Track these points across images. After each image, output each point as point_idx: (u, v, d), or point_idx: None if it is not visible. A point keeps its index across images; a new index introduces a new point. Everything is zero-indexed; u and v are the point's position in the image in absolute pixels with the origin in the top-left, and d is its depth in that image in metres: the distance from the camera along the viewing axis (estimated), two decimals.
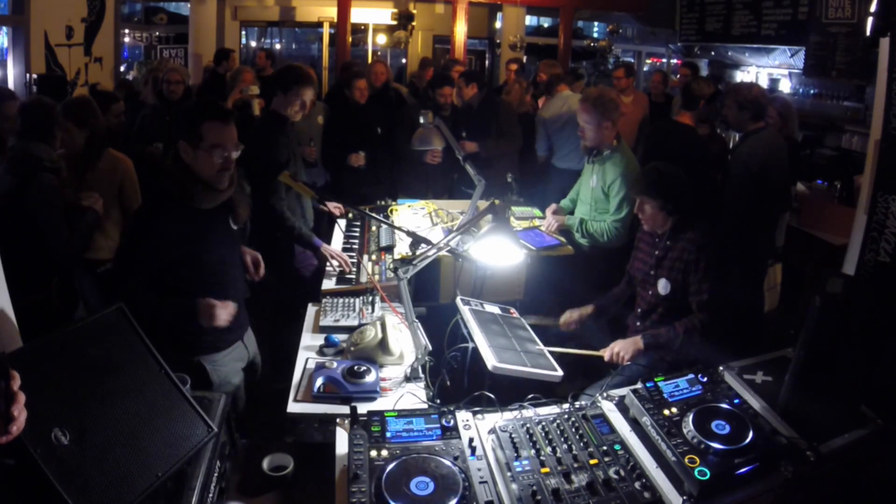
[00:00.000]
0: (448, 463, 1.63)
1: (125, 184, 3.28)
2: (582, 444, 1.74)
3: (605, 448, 1.73)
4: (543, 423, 1.80)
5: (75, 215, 2.88)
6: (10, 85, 5.81)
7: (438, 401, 2.07)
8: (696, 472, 1.62)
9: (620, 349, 2.58)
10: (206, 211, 2.21)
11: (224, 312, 2.17)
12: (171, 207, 2.15)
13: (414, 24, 8.78)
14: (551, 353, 2.31)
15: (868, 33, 4.74)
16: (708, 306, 2.58)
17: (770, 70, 8.05)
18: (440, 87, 4.80)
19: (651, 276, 2.77)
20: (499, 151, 4.74)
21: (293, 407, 2.08)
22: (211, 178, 2.16)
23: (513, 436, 1.74)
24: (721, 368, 2.09)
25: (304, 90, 3.22)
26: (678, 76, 7.21)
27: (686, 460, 1.65)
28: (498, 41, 10.38)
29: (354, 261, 3.16)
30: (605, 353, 2.59)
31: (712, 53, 8.62)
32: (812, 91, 7.30)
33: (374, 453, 1.64)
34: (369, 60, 9.45)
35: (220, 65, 6.48)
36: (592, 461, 1.68)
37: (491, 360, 2.05)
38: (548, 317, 2.96)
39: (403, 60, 10.22)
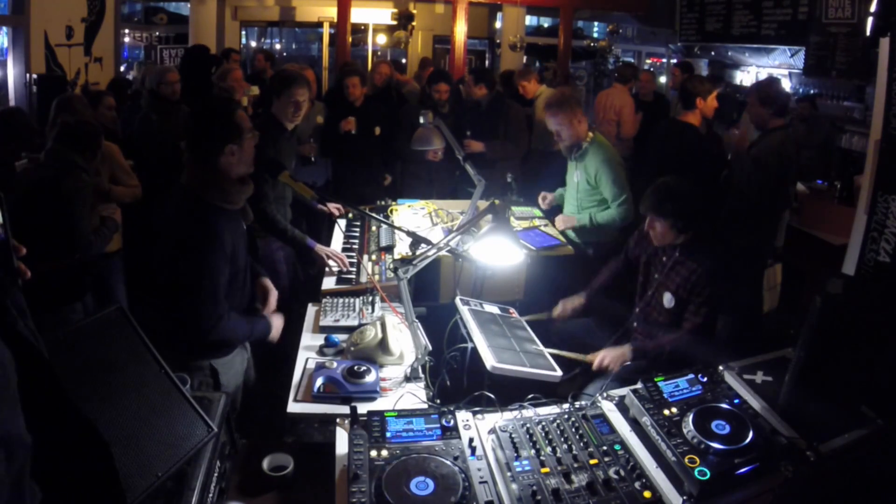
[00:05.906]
0: (448, 463, 1.63)
1: (115, 167, 3.50)
2: (582, 444, 1.74)
3: (605, 448, 1.73)
4: (543, 423, 1.80)
5: (98, 220, 3.13)
6: (10, 85, 5.82)
7: (438, 401, 2.07)
8: (696, 472, 1.62)
9: (608, 359, 2.59)
10: (235, 211, 2.23)
11: (281, 323, 2.39)
12: (215, 212, 2.12)
13: (414, 24, 8.77)
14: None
15: (868, 33, 4.72)
16: (699, 330, 2.56)
17: (770, 70, 8.03)
18: (436, 83, 4.80)
19: (655, 279, 2.76)
20: (504, 154, 4.73)
21: (293, 407, 2.07)
22: (243, 172, 2.17)
23: (513, 436, 1.74)
24: (721, 368, 2.09)
25: (295, 90, 3.14)
26: (672, 76, 7.20)
27: (686, 460, 1.65)
28: (498, 41, 10.36)
29: (353, 260, 3.16)
30: (595, 362, 2.60)
31: (712, 53, 8.62)
32: (812, 91, 7.28)
33: (374, 453, 1.65)
34: (369, 60, 9.45)
35: (220, 65, 6.46)
36: (592, 461, 1.68)
37: (490, 361, 2.05)
38: (542, 313, 2.97)
39: (403, 60, 10.21)
